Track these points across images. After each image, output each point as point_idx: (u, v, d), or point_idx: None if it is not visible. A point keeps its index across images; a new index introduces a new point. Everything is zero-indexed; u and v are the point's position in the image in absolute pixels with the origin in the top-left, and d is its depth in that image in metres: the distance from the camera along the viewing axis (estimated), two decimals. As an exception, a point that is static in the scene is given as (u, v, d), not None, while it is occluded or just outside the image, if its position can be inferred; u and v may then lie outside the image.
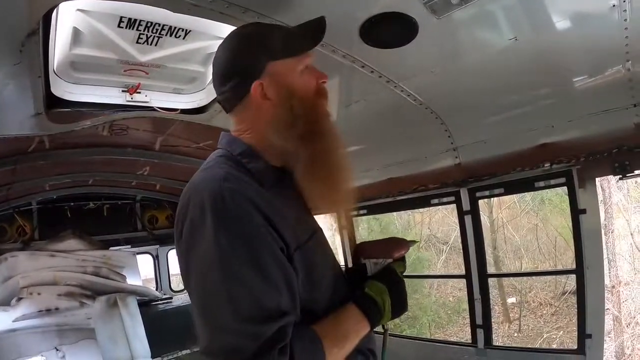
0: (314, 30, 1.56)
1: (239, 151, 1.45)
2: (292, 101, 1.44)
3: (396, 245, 1.76)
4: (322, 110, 1.51)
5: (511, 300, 15.40)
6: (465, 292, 4.04)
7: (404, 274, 1.71)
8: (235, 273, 1.22)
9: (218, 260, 1.22)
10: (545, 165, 3.35)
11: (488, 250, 15.27)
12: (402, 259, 1.76)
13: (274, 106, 1.44)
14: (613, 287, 13.56)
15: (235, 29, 1.55)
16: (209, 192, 1.28)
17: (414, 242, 1.89)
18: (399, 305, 1.59)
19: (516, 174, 3.50)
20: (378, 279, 1.61)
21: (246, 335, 1.19)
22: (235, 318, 1.20)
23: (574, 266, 3.32)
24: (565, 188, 3.38)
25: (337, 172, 1.48)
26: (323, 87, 1.54)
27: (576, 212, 3.27)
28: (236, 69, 1.46)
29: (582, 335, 3.27)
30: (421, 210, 13.21)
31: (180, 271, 1.36)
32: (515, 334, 14.81)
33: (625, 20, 2.26)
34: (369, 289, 1.57)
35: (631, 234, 14.06)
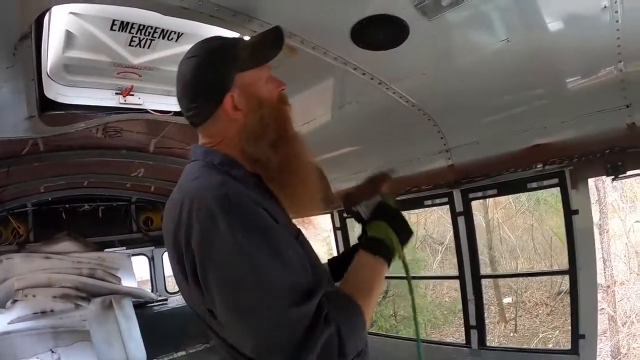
0: (274, 40, 1.58)
1: (218, 161, 1.46)
2: (262, 110, 1.48)
3: (380, 180, 1.81)
4: (287, 116, 1.55)
5: (507, 300, 15.41)
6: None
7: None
8: (264, 267, 1.24)
9: (244, 260, 1.24)
10: (538, 166, 3.37)
11: (484, 250, 15.29)
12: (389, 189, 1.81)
13: (245, 116, 1.47)
14: (608, 286, 13.58)
15: (198, 44, 1.55)
16: (214, 197, 1.28)
17: (392, 170, 1.97)
18: (404, 234, 1.67)
19: (509, 175, 3.52)
20: (376, 219, 1.67)
21: (295, 321, 1.21)
22: (281, 310, 1.22)
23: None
24: (558, 189, 3.38)
25: (306, 176, 1.52)
26: (284, 94, 1.58)
27: (569, 213, 3.29)
28: (206, 83, 1.48)
29: (576, 335, 3.30)
30: (416, 210, 13.23)
31: (188, 281, 1.33)
32: (512, 334, 14.80)
33: (617, 21, 2.27)
34: (371, 231, 1.63)
35: (626, 234, 14.10)
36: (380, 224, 1.64)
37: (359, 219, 1.77)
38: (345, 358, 1.28)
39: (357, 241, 1.81)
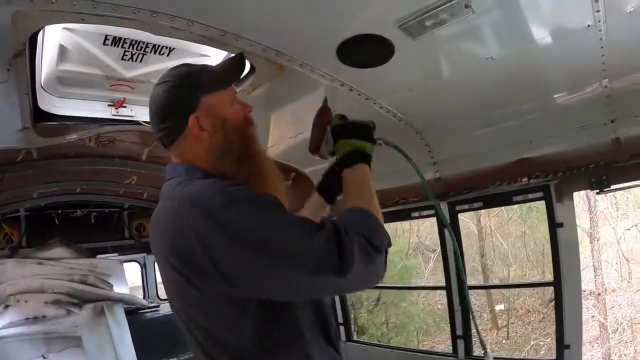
0: (235, 66, 1.72)
1: (200, 175, 1.55)
2: (226, 129, 1.59)
3: (320, 117, 1.99)
4: (252, 136, 1.67)
5: (499, 307, 15.44)
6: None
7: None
8: (280, 220, 1.40)
9: (262, 223, 1.36)
10: (524, 179, 3.41)
11: (476, 258, 15.32)
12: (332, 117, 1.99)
13: (210, 135, 1.58)
14: (599, 294, 13.64)
15: (168, 71, 1.66)
16: (215, 190, 1.42)
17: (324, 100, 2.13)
18: (363, 130, 1.86)
19: (495, 188, 3.56)
20: (336, 143, 1.85)
21: (323, 242, 1.36)
22: (308, 240, 1.36)
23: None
24: (543, 202, 3.43)
25: (272, 189, 1.58)
26: (249, 116, 1.70)
27: (553, 226, 3.34)
28: (173, 105, 1.58)
29: (561, 345, 3.35)
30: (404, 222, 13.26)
31: (187, 284, 1.41)
32: (504, 341, 14.83)
33: (601, 39, 2.32)
34: (339, 152, 1.81)
35: (617, 242, 14.17)
36: (341, 142, 1.82)
37: (332, 154, 1.92)
38: (380, 251, 1.45)
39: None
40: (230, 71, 1.71)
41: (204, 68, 1.72)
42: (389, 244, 1.53)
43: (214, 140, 1.58)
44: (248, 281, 1.36)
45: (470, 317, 3.89)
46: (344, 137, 1.83)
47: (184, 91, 1.58)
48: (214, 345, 1.50)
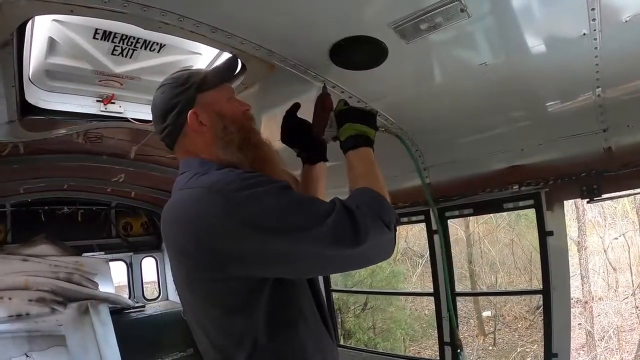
0: (228, 66, 1.85)
1: (216, 167, 1.63)
2: (224, 122, 1.71)
3: (322, 103, 2.12)
4: (251, 128, 1.79)
5: (486, 313, 15.51)
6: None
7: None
8: (296, 199, 1.50)
9: (281, 202, 1.45)
10: (514, 187, 3.41)
11: (464, 264, 15.39)
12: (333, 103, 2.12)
13: (210, 129, 1.70)
14: (586, 302, 13.76)
15: (167, 76, 1.81)
16: (233, 179, 1.49)
17: (324, 87, 2.27)
18: (366, 116, 1.99)
19: (485, 195, 3.56)
20: (340, 128, 1.96)
21: (338, 217, 1.45)
22: (320, 216, 1.45)
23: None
24: (533, 210, 3.43)
25: (275, 175, 1.65)
26: (248, 113, 1.83)
27: (543, 234, 3.33)
28: (172, 104, 1.70)
29: (549, 354, 3.34)
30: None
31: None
32: (490, 347, 14.90)
33: (596, 48, 2.31)
34: (342, 137, 1.92)
35: (604, 251, 14.29)
36: (346, 126, 1.92)
37: (335, 139, 2.02)
38: (390, 228, 1.54)
39: None
40: (223, 70, 1.84)
41: (199, 71, 1.82)
42: (398, 221, 1.61)
43: (214, 132, 1.69)
44: (267, 261, 1.45)
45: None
46: (349, 121, 1.93)
47: (180, 90, 1.71)
48: (224, 336, 1.57)
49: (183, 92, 1.71)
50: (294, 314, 1.59)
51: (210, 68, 1.94)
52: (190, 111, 1.67)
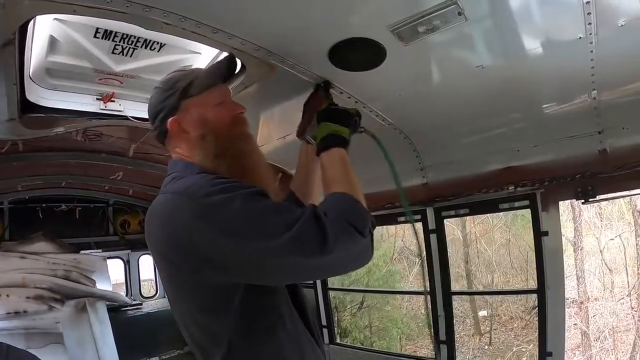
0: (222, 69, 1.85)
1: (196, 171, 1.65)
2: (204, 130, 1.72)
3: (309, 104, 2.24)
4: (236, 135, 1.77)
5: (482, 313, 15.53)
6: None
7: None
8: (262, 206, 1.46)
9: (247, 207, 1.44)
10: (510, 187, 3.44)
11: (461, 264, 15.41)
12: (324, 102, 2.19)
13: (191, 135, 1.72)
14: (582, 302, 13.79)
15: (162, 77, 1.84)
16: (202, 185, 1.49)
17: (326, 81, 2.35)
18: (341, 116, 2.01)
19: (481, 195, 3.59)
20: (318, 126, 1.98)
21: (304, 226, 1.41)
22: (286, 224, 1.41)
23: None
24: (528, 210, 3.46)
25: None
26: (240, 116, 1.82)
27: (538, 234, 3.37)
28: (158, 109, 1.77)
29: (543, 353, 3.38)
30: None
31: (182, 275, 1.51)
32: (486, 347, 14.92)
33: (592, 51, 2.34)
34: (318, 137, 1.93)
35: (600, 252, 14.33)
36: (320, 126, 1.96)
37: (314, 138, 2.04)
38: (362, 233, 1.48)
39: None
40: (214, 75, 1.83)
41: (191, 73, 1.83)
42: (373, 225, 1.57)
43: (194, 139, 1.72)
44: (233, 266, 1.43)
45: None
46: (325, 121, 1.96)
47: (166, 95, 1.75)
48: (202, 334, 1.59)
49: (168, 98, 1.75)
50: (269, 317, 1.58)
51: (203, 71, 1.89)
52: (171, 118, 1.72)
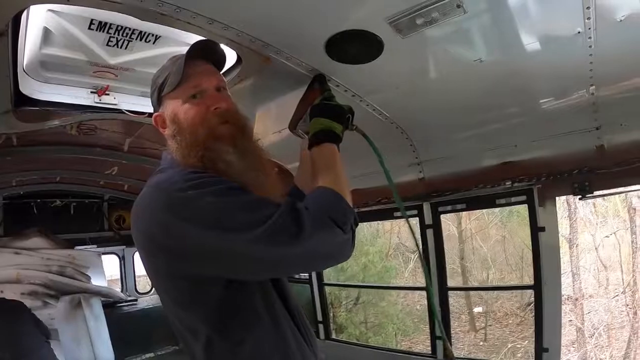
0: (180, 68, 1.69)
1: (177, 165, 1.65)
2: (176, 125, 1.69)
3: (303, 98, 2.22)
4: (207, 133, 1.65)
5: (477, 309, 15.57)
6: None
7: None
8: (237, 198, 1.46)
9: (222, 200, 1.44)
10: (507, 183, 3.43)
11: (456, 260, 15.44)
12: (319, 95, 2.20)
13: (170, 132, 1.72)
14: (577, 299, 13.85)
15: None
16: (178, 179, 1.50)
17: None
18: (334, 112, 1.99)
19: (478, 191, 3.59)
20: (311, 122, 1.97)
21: (283, 217, 1.42)
22: (260, 217, 1.40)
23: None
24: (525, 206, 3.45)
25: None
26: (215, 112, 1.69)
27: (535, 230, 3.37)
28: (152, 103, 1.82)
29: (540, 349, 3.38)
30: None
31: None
32: (481, 343, 14.97)
33: (590, 46, 2.32)
34: (310, 132, 1.92)
35: (595, 248, 14.39)
36: (313, 121, 1.95)
37: (307, 132, 2.01)
38: (342, 228, 1.49)
39: None
40: (178, 73, 1.69)
41: (169, 66, 1.76)
42: (356, 222, 1.57)
43: (169, 135, 1.73)
44: (205, 259, 1.43)
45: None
46: (317, 116, 1.95)
47: (151, 91, 1.80)
48: (182, 327, 1.59)
49: (152, 94, 1.79)
50: (248, 314, 1.56)
51: (174, 68, 1.75)
52: (154, 115, 1.77)
